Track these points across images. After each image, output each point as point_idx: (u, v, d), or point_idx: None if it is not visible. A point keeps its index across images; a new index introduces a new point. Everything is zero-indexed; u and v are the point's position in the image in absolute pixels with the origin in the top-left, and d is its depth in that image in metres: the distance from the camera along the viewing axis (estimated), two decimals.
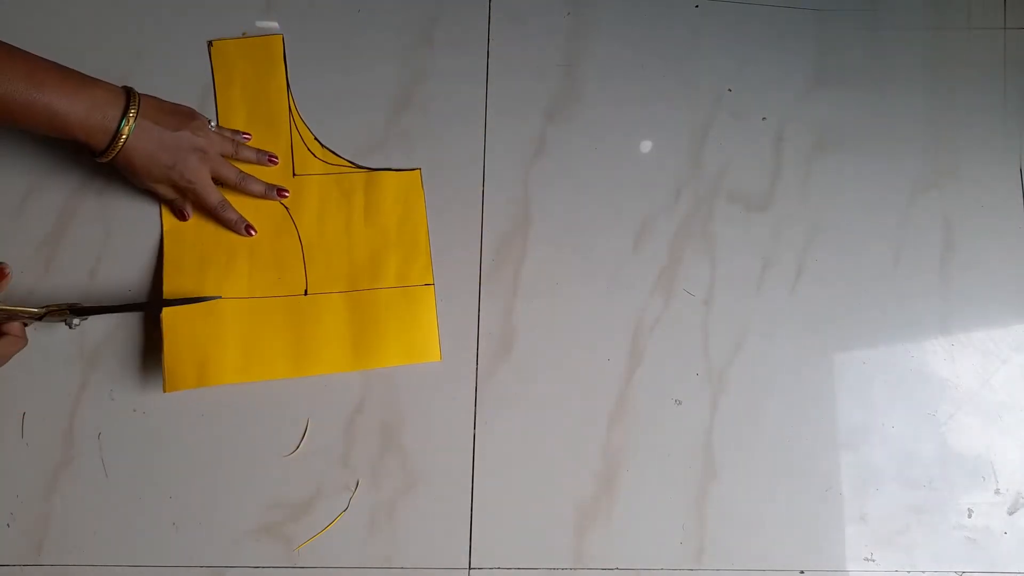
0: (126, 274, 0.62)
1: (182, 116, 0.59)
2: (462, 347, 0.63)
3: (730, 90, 0.70)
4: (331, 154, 0.65)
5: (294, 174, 0.64)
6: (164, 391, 0.58)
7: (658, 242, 0.66)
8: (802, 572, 0.62)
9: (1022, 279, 0.68)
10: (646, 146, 0.68)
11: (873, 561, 0.63)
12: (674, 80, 0.69)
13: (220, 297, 0.60)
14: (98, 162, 0.56)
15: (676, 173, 0.68)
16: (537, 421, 0.62)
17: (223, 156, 0.61)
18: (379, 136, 0.66)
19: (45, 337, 0.61)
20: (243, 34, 0.67)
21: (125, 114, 0.54)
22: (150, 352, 0.61)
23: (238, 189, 0.62)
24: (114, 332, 0.61)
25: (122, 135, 0.54)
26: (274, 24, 0.67)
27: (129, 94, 0.55)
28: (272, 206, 0.64)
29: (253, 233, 0.62)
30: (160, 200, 0.62)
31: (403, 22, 0.68)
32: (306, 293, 0.62)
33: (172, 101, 0.60)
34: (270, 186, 0.63)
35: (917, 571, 0.63)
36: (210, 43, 0.66)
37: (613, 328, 0.64)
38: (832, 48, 0.71)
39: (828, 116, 0.70)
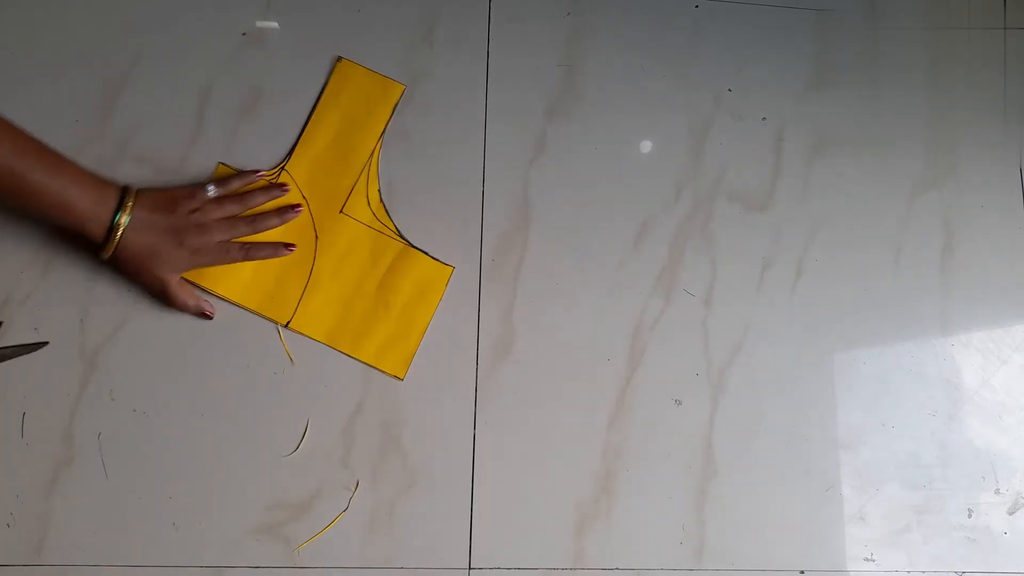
0: None
1: (175, 199, 0.59)
2: (462, 347, 0.63)
3: (730, 90, 0.70)
4: (384, 212, 0.64)
5: (341, 210, 0.64)
6: None
7: (658, 242, 0.66)
8: (802, 572, 0.62)
9: (1022, 279, 0.68)
10: (646, 146, 0.68)
11: (873, 561, 0.63)
12: (674, 80, 0.69)
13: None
14: (104, 259, 0.57)
15: (676, 173, 0.68)
16: (537, 421, 0.62)
17: (230, 218, 0.60)
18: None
19: (45, 337, 0.61)
20: (243, 35, 0.67)
21: (120, 208, 0.56)
22: (151, 352, 0.61)
23: (247, 260, 0.61)
24: (115, 332, 0.61)
25: (118, 227, 0.55)
26: (274, 24, 0.67)
27: (125, 191, 0.57)
28: (306, 228, 0.63)
29: (292, 248, 0.62)
30: (174, 304, 0.60)
31: (403, 22, 0.68)
32: (287, 325, 0.62)
33: (174, 186, 0.61)
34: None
35: (917, 571, 0.63)
36: (338, 58, 0.65)
37: (613, 328, 0.64)
38: (832, 48, 0.71)
39: (828, 116, 0.70)
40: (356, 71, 0.66)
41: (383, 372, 0.62)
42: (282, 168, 0.64)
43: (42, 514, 0.58)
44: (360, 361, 0.62)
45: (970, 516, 0.64)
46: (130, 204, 0.56)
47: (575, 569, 0.61)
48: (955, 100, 0.71)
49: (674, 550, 0.61)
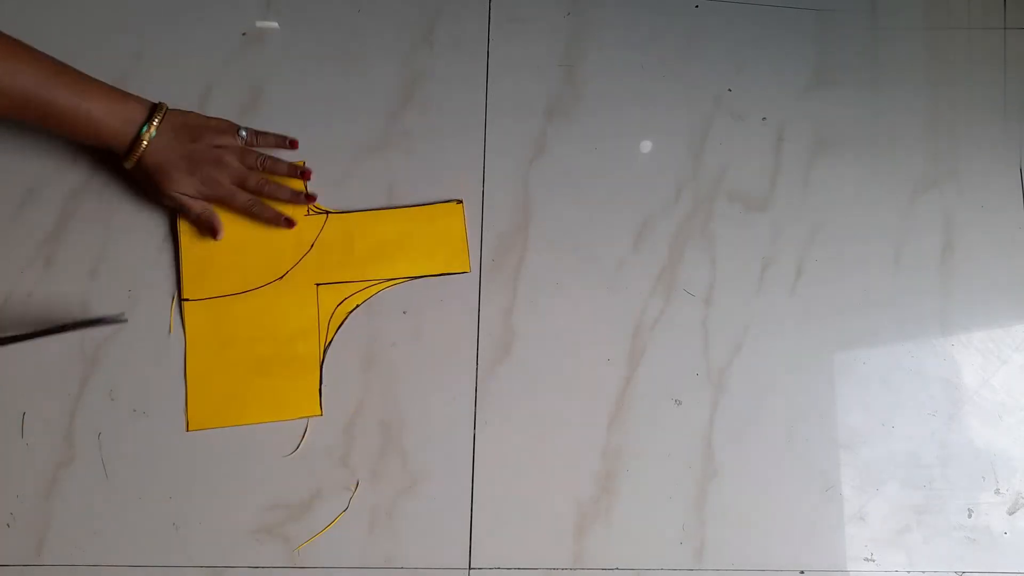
0: (127, 274, 0.62)
1: (206, 128, 0.60)
2: (462, 347, 0.63)
3: (730, 90, 0.70)
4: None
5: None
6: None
7: (658, 242, 0.66)
8: (802, 572, 0.62)
9: (1022, 279, 0.68)
10: (646, 146, 0.68)
11: (873, 561, 0.63)
12: (674, 80, 0.69)
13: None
14: (127, 168, 0.59)
15: (676, 173, 0.68)
16: (537, 421, 0.62)
17: (248, 167, 0.61)
18: (379, 136, 0.66)
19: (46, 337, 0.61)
20: (243, 35, 0.67)
21: (148, 122, 0.57)
22: (151, 352, 0.61)
23: (260, 195, 0.62)
24: (115, 332, 0.61)
25: (142, 141, 0.57)
26: (274, 24, 0.67)
27: (155, 106, 0.58)
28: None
29: (293, 224, 0.62)
30: (187, 216, 0.61)
31: (403, 22, 0.68)
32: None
33: (209, 116, 0.62)
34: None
35: (917, 571, 0.63)
36: (458, 201, 0.65)
37: (613, 328, 0.64)
38: (832, 48, 0.71)
39: (828, 116, 0.70)
40: (456, 218, 0.65)
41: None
42: (327, 215, 0.64)
43: (42, 514, 0.58)
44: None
45: (970, 516, 0.64)
46: (156, 121, 0.57)
47: (575, 569, 0.61)
48: (955, 100, 0.71)
49: (674, 550, 0.61)
